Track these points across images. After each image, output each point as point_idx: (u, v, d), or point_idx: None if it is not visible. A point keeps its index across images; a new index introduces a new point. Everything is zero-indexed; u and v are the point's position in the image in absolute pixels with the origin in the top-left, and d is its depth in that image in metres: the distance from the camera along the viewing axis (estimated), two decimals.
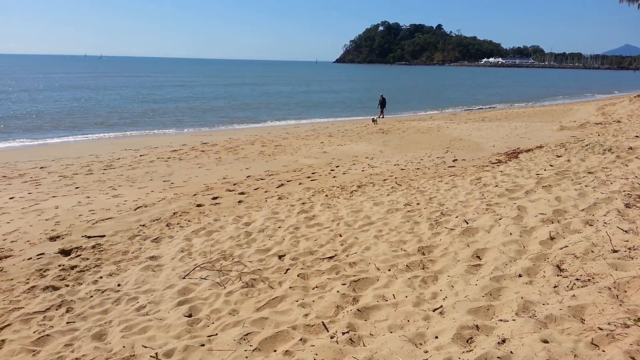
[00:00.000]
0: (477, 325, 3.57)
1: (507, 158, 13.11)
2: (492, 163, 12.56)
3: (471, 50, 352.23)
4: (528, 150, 14.16)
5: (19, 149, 19.58)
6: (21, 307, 5.24)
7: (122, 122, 28.78)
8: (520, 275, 4.41)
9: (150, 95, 49.46)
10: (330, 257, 5.90)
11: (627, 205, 5.81)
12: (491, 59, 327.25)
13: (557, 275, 4.24)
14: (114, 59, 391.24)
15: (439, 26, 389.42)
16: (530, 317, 3.51)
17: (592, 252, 4.51)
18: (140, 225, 8.31)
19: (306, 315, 4.34)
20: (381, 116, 30.98)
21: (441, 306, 4.10)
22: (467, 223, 6.41)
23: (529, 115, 29.75)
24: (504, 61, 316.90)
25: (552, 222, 5.81)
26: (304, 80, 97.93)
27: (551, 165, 9.94)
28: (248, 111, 36.95)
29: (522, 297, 3.90)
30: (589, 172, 8.58)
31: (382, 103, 31.54)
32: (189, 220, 8.54)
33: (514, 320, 3.55)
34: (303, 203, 9.17)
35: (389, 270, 5.18)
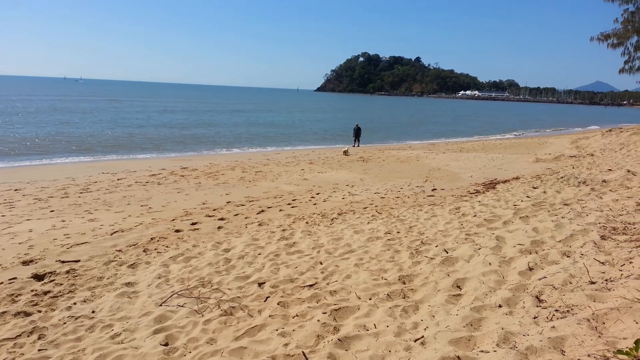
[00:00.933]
0: (458, 357, 3.56)
1: (485, 188, 13.31)
2: (471, 193, 12.73)
3: (449, 83, 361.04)
4: (505, 181, 14.41)
5: None
6: None
7: (99, 146, 28.42)
8: (500, 306, 4.43)
9: (130, 120, 49.14)
10: (311, 285, 5.85)
11: (603, 237, 5.92)
12: (468, 92, 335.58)
13: (537, 306, 4.27)
14: (95, 82, 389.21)
15: (418, 59, 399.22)
16: (511, 348, 3.51)
17: (570, 283, 4.56)
18: (117, 251, 8.15)
19: (286, 344, 4.27)
20: (356, 145, 31.28)
21: (422, 336, 4.08)
22: (447, 252, 6.45)
23: (505, 147, 30.40)
24: (480, 94, 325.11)
25: (530, 253, 5.88)
26: (286, 107, 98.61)
27: (528, 197, 10.11)
28: (229, 137, 36.95)
29: (502, 328, 3.91)
30: (565, 204, 8.75)
31: (357, 132, 31.88)
32: (166, 246, 8.41)
33: (495, 351, 3.54)
34: (283, 230, 9.12)
35: (370, 299, 5.15)
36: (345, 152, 26.02)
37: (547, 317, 3.96)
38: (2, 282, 6.58)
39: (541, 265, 5.37)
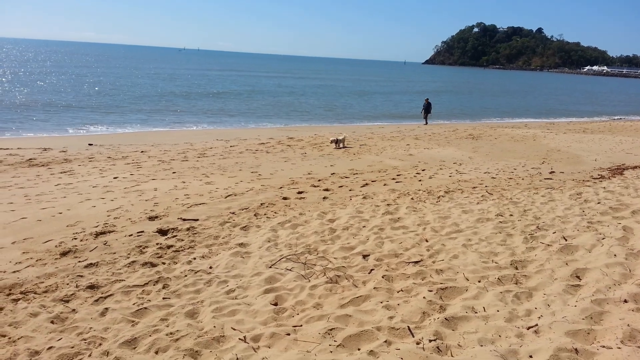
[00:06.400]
0: (576, 349, 3.36)
1: (611, 174, 12.19)
2: (594, 178, 11.73)
3: (573, 57, 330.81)
4: (635, 167, 13.09)
5: (123, 134, 21.11)
6: (122, 280, 5.64)
7: (211, 114, 30.11)
8: (625, 301, 4.09)
9: (243, 89, 51.37)
10: (416, 262, 5.80)
11: None
12: (595, 67, 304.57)
13: None
14: (204, 52, 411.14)
15: (539, 30, 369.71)
16: (638, 347, 3.24)
17: None
18: (231, 213, 8.65)
19: (391, 317, 4.29)
20: (425, 123, 28.58)
21: (536, 324, 3.89)
22: (566, 240, 6.04)
23: (636, 130, 27.47)
24: (609, 70, 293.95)
25: None
26: (396, 81, 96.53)
27: None
28: (336, 110, 37.17)
29: (628, 325, 3.62)
30: None
31: (427, 108, 28.49)
32: (275, 212, 8.76)
33: (619, 347, 3.30)
34: (388, 204, 9.08)
35: (479, 281, 5.00)
36: (337, 143, 17.50)
37: None
38: (131, 235, 7.30)
39: None
